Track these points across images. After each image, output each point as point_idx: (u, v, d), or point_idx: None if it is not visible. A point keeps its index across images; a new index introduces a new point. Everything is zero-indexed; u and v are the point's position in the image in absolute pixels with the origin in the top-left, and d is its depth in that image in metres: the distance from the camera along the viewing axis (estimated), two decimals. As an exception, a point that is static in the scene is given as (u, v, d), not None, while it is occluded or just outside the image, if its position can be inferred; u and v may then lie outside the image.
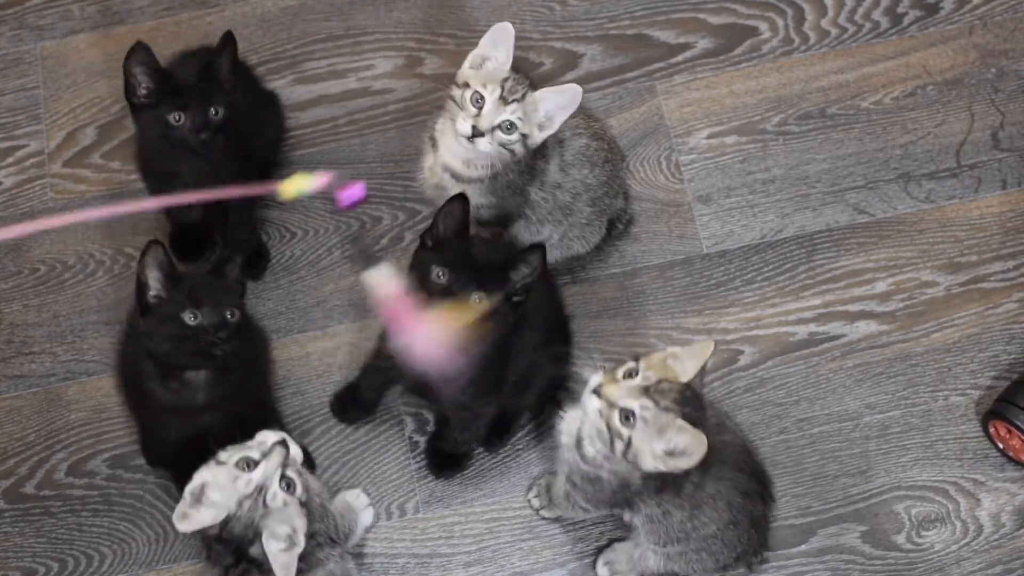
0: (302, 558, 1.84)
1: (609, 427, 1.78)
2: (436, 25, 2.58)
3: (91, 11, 2.60)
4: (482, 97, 2.02)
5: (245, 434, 2.02)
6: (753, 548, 2.04)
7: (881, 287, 2.36)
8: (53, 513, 2.24)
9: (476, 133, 2.01)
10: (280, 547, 1.79)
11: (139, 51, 2.05)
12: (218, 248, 2.38)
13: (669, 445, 1.76)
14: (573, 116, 2.18)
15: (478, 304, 1.88)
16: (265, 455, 1.81)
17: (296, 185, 1.86)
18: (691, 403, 1.78)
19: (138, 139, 2.22)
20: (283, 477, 1.81)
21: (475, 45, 2.11)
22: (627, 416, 1.77)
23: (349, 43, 2.58)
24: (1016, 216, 2.41)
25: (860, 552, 2.19)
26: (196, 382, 1.97)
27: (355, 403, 2.27)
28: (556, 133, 2.15)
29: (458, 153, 2.09)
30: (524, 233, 2.25)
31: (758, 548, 2.06)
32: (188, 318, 1.90)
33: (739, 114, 2.50)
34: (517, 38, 2.54)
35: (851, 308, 2.35)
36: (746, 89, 2.52)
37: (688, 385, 1.79)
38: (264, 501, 1.79)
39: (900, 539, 2.20)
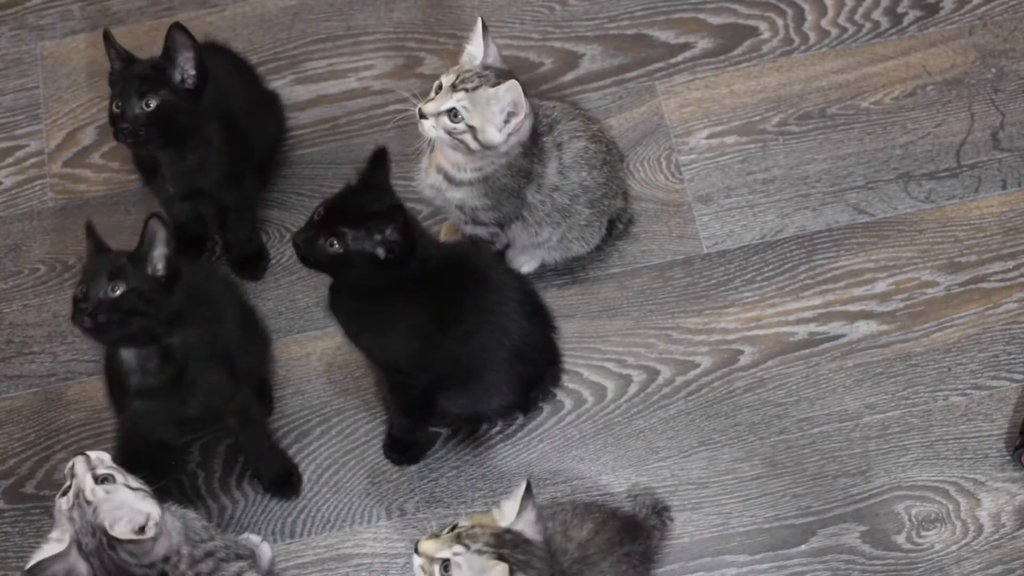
0: (215, 573, 1.88)
1: None
2: (436, 25, 2.58)
3: (91, 11, 2.60)
4: (441, 86, 2.07)
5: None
6: None
7: (881, 287, 2.36)
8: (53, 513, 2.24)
9: (421, 115, 2.07)
10: (130, 528, 1.81)
11: (107, 39, 2.09)
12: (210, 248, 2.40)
13: None
14: (572, 118, 2.20)
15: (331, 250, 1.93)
16: (72, 474, 1.86)
17: None
18: (511, 545, 1.77)
19: None
20: (97, 478, 1.84)
21: (464, 50, 2.13)
22: (445, 567, 1.76)
23: (349, 43, 2.58)
24: (1016, 216, 2.41)
25: (860, 552, 2.19)
26: (127, 364, 1.97)
27: None
28: (554, 136, 2.16)
29: (448, 155, 2.12)
30: (522, 234, 2.25)
31: None
32: (77, 291, 1.91)
33: (739, 114, 2.50)
34: (517, 38, 2.55)
35: (851, 308, 2.35)
36: (746, 89, 2.52)
37: (508, 529, 1.79)
38: (86, 500, 1.82)
39: (900, 539, 2.19)
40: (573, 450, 2.27)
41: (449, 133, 2.06)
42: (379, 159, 1.98)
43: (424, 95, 2.50)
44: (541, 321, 2.18)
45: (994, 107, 2.48)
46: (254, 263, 2.39)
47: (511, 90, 2.05)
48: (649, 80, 2.53)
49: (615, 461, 2.25)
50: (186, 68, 2.09)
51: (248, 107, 2.28)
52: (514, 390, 2.16)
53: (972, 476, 2.23)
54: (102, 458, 1.88)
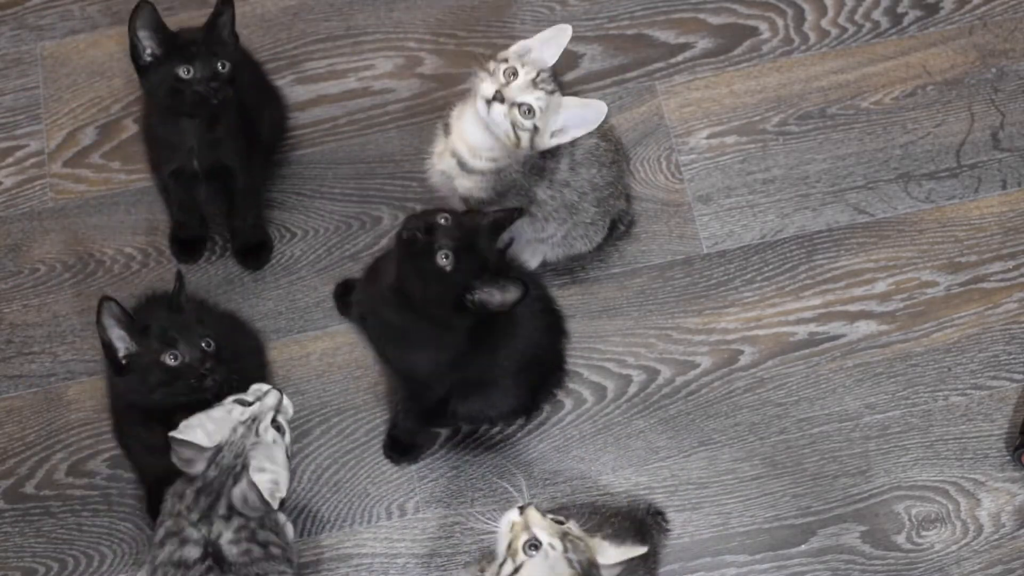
0: (254, 563, 1.89)
1: (509, 545, 1.77)
2: (436, 25, 2.58)
3: (91, 11, 2.60)
4: (516, 73, 2.03)
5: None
6: None
7: (881, 287, 2.36)
8: (53, 513, 2.24)
9: (497, 97, 2.01)
10: (268, 485, 1.83)
11: (143, 11, 2.07)
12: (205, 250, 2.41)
13: None
14: None
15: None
16: (259, 398, 1.89)
17: None
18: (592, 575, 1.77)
19: (145, 105, 2.25)
20: (274, 421, 1.87)
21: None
22: (532, 545, 1.75)
23: (349, 43, 2.58)
24: (1016, 216, 2.41)
25: (860, 552, 2.19)
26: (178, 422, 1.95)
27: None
28: None
29: (468, 140, 2.09)
30: (528, 229, 2.25)
31: None
32: (169, 360, 1.92)
33: (739, 114, 2.50)
34: (517, 38, 2.54)
35: (851, 308, 2.35)
36: (746, 89, 2.52)
37: (597, 565, 1.78)
38: (257, 431, 1.85)
39: (900, 539, 2.20)
40: (573, 450, 2.27)
41: (514, 125, 2.03)
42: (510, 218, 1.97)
43: (423, 95, 2.51)
44: (556, 329, 2.18)
45: (994, 107, 2.48)
46: (257, 253, 2.39)
47: (598, 113, 2.04)
48: (649, 80, 2.53)
49: (615, 461, 2.26)
50: (227, 33, 2.13)
51: (252, 89, 2.29)
52: (525, 394, 2.16)
53: (972, 476, 2.23)
54: (288, 410, 1.91)
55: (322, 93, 2.54)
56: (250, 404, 1.89)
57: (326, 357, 2.34)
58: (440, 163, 2.15)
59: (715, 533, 2.21)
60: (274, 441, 1.87)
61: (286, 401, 1.91)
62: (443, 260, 1.89)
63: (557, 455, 2.26)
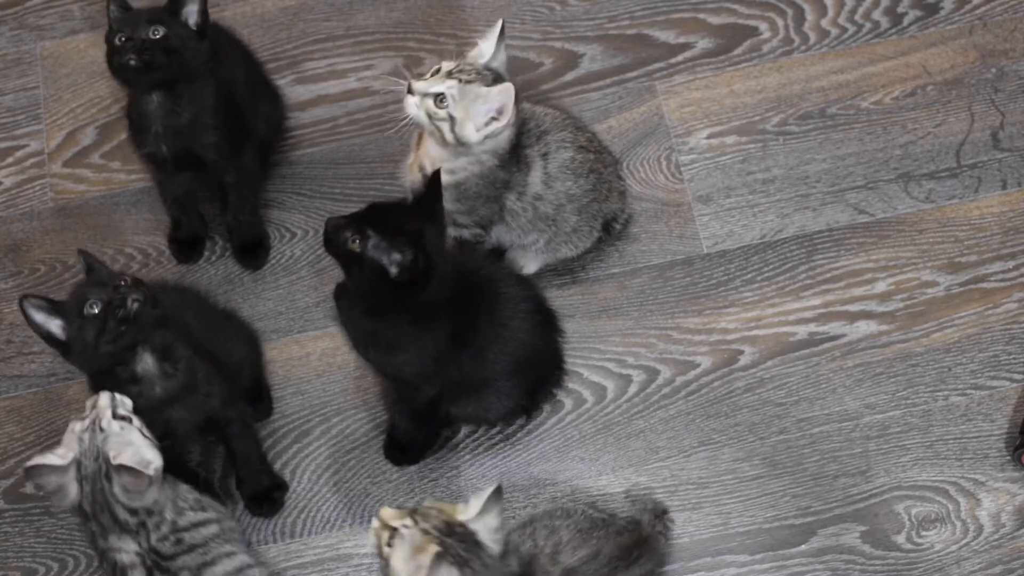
0: (201, 546, 1.93)
1: (381, 552, 1.80)
2: (436, 25, 2.58)
3: (91, 11, 2.60)
4: (440, 70, 2.08)
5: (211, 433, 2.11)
6: None
7: (881, 287, 2.36)
8: (53, 513, 2.24)
9: (409, 91, 2.07)
10: (130, 459, 1.85)
11: None
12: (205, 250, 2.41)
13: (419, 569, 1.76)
14: (562, 128, 2.21)
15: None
16: (92, 407, 1.92)
17: None
18: (458, 538, 1.78)
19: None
20: (116, 416, 1.90)
21: (475, 46, 2.13)
22: (392, 536, 1.78)
23: (349, 43, 2.58)
24: (1016, 216, 2.41)
25: (860, 552, 2.19)
26: (148, 374, 1.98)
27: None
28: (541, 147, 2.17)
29: (430, 152, 2.12)
30: (507, 237, 2.26)
31: None
32: (93, 309, 1.92)
33: (739, 114, 2.50)
34: (517, 38, 2.55)
35: (851, 308, 2.35)
36: (746, 89, 2.52)
37: (463, 524, 1.79)
38: (100, 427, 1.88)
39: (900, 539, 2.20)
40: (573, 450, 2.27)
41: (429, 117, 2.06)
42: (435, 180, 1.97)
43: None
44: (550, 328, 2.18)
45: (994, 107, 2.49)
46: (255, 251, 2.39)
47: (503, 93, 2.05)
48: (649, 80, 2.53)
49: (615, 461, 2.26)
50: (192, 12, 2.13)
51: (247, 83, 2.29)
52: (522, 395, 2.17)
53: (972, 476, 2.23)
54: (125, 402, 1.93)
55: (322, 93, 2.54)
56: (85, 417, 1.91)
57: (326, 357, 2.34)
58: (411, 174, 2.19)
59: (715, 533, 2.21)
60: (122, 428, 1.89)
61: (119, 397, 1.93)
62: (353, 243, 1.91)
63: (557, 455, 2.26)
